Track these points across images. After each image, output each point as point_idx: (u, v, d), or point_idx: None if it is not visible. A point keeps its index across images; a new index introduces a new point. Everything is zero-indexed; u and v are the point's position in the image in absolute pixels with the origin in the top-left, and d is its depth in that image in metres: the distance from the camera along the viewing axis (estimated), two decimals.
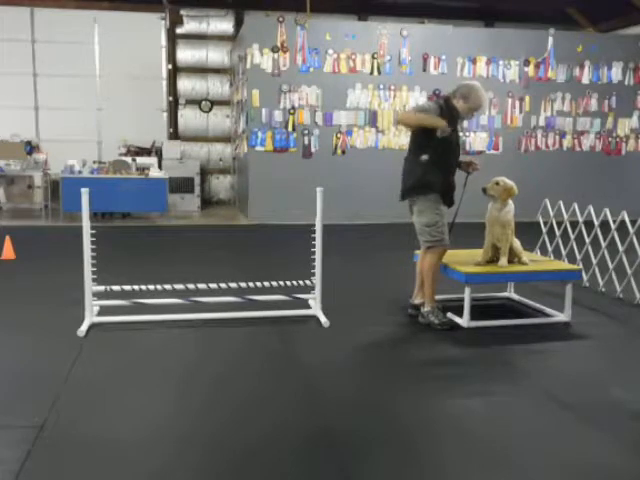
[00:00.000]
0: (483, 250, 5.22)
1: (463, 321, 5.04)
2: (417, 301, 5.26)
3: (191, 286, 5.20)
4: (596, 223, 6.22)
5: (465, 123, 11.76)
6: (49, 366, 4.11)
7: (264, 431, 3.29)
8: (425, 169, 4.91)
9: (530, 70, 11.96)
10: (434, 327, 4.98)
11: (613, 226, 6.03)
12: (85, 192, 4.71)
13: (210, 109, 14.19)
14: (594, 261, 6.33)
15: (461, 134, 11.68)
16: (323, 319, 5.09)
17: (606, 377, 4.12)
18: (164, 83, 14.01)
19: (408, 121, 5.08)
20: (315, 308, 5.28)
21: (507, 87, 11.91)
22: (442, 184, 4.97)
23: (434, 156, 4.90)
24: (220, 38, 14.04)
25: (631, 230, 5.79)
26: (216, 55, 14.14)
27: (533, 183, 11.47)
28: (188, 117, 14.19)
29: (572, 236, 6.53)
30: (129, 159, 11.54)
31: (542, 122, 12.14)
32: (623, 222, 5.89)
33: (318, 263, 5.21)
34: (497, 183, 5.13)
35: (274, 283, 5.30)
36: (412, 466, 3.00)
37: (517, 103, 11.99)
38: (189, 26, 13.92)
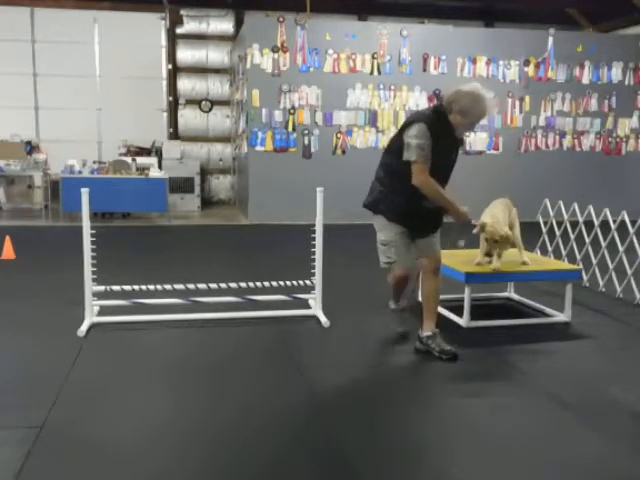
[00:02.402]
0: (480, 251, 5.19)
1: (463, 321, 5.04)
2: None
3: (191, 286, 5.20)
4: (596, 223, 6.22)
5: None
6: (49, 366, 4.11)
7: (264, 431, 3.28)
8: (387, 194, 4.33)
9: (530, 70, 11.96)
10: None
11: (613, 226, 6.03)
12: (85, 192, 4.71)
13: (210, 109, 14.19)
14: (594, 261, 6.33)
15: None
16: (323, 319, 5.08)
17: (606, 377, 4.12)
18: (164, 83, 14.00)
19: (433, 194, 4.18)
20: (315, 308, 5.28)
21: (507, 87, 11.91)
22: (405, 211, 4.28)
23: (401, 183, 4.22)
24: (220, 38, 14.04)
25: (631, 230, 5.79)
26: (216, 55, 14.13)
27: (533, 183, 11.51)
28: (188, 117, 14.18)
29: (572, 236, 6.53)
30: (129, 159, 11.54)
31: (542, 122, 12.13)
32: (623, 222, 5.89)
33: (318, 263, 5.21)
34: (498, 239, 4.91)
35: (274, 283, 5.30)
36: (411, 465, 3.00)
37: (517, 103, 11.99)
38: (189, 26, 13.92)
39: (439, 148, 4.13)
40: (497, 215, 5.07)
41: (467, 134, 11.70)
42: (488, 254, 5.08)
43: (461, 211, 4.26)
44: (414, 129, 4.10)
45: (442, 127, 4.15)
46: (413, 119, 4.23)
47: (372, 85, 11.45)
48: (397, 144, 4.23)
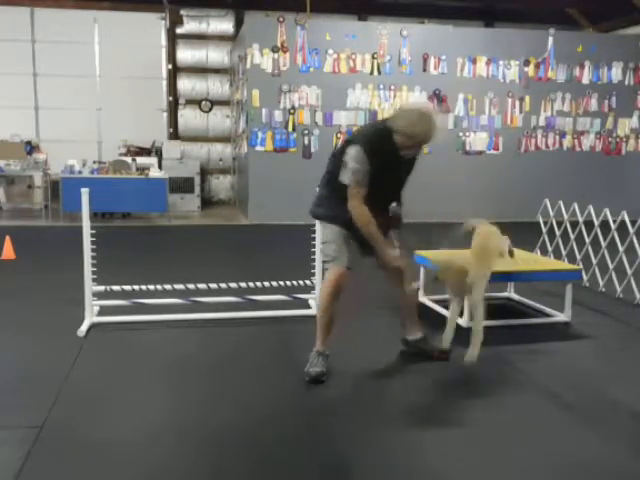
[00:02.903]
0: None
1: (463, 321, 5.04)
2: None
3: (191, 286, 5.20)
4: (596, 223, 6.22)
5: (465, 123, 11.77)
6: (49, 366, 4.11)
7: (264, 431, 3.28)
8: (332, 203, 4.06)
9: (530, 70, 11.96)
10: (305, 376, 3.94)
11: (613, 226, 6.03)
12: (85, 192, 4.71)
13: (210, 109, 14.20)
14: (594, 261, 6.33)
15: (461, 136, 11.66)
16: None
17: (606, 377, 4.12)
18: (164, 83, 14.01)
19: (360, 224, 3.89)
20: (315, 308, 5.28)
21: (507, 87, 11.92)
22: (348, 220, 3.93)
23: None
24: (220, 38, 14.06)
25: (631, 230, 5.79)
26: (216, 55, 14.15)
27: (533, 183, 11.52)
28: (188, 117, 14.20)
29: (572, 236, 6.53)
30: (129, 159, 11.55)
31: (542, 122, 12.15)
32: (623, 222, 5.89)
33: (318, 263, 5.21)
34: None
35: (274, 283, 5.30)
36: (410, 464, 3.00)
37: (517, 103, 11.99)
38: (189, 26, 13.93)
39: (383, 168, 3.81)
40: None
41: (467, 135, 11.76)
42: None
43: (387, 252, 3.94)
44: (352, 150, 3.83)
45: (384, 147, 3.81)
46: (352, 139, 4.00)
47: (372, 85, 11.45)
48: (341, 157, 3.97)
